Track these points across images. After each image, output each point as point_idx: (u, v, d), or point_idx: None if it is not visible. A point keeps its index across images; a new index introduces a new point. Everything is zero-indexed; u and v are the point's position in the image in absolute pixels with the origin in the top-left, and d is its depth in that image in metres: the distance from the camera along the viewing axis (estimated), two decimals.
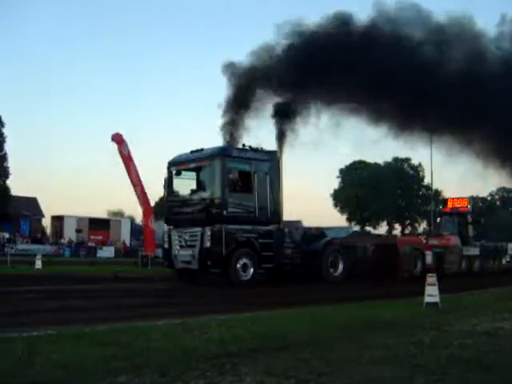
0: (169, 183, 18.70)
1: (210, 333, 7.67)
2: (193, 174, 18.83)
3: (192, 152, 18.49)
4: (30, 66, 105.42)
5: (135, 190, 25.63)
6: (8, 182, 60.03)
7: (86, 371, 5.46)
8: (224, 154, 17.61)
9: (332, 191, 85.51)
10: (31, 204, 61.46)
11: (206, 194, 17.62)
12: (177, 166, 18.67)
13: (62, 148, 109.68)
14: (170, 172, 18.79)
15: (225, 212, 17.17)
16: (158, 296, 14.92)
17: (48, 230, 59.77)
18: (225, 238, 16.96)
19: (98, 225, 57.63)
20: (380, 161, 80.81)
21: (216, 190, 17.32)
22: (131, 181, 25.37)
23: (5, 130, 59.08)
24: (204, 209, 17.42)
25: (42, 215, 64.06)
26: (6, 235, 48.53)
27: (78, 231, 53.86)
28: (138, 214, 48.63)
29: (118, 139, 24.85)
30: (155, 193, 43.72)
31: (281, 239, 18.59)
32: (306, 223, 21.68)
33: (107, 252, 50.17)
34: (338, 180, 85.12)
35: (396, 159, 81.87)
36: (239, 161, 17.84)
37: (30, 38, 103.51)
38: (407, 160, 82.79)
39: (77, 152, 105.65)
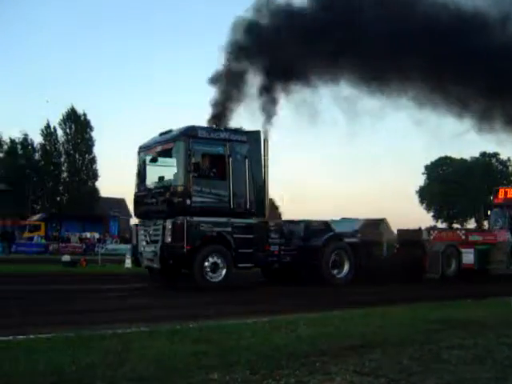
0: (139, 171, 16.38)
1: (299, 331, 7.66)
2: (168, 160, 16.34)
3: (161, 134, 16.14)
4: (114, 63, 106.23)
5: None
6: (97, 183, 62.49)
7: (178, 368, 5.51)
8: (188, 134, 14.95)
9: (418, 188, 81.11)
10: (120, 205, 62.25)
11: (168, 182, 15.18)
12: (145, 150, 16.35)
13: None
14: (139, 158, 16.48)
15: (188, 202, 14.62)
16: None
17: None
18: (187, 232, 14.39)
19: None
20: (466, 156, 75.88)
21: (178, 177, 14.83)
22: None
23: (93, 134, 61.14)
24: (166, 199, 15.02)
25: (129, 215, 65.03)
26: (97, 235, 49.57)
27: None
28: None
29: None
30: None
31: (263, 234, 15.84)
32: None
33: None
34: (424, 177, 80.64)
35: (483, 154, 76.37)
36: (209, 142, 15.17)
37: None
38: (495, 155, 76.98)
39: None
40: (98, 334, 7.31)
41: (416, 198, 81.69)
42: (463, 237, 20.23)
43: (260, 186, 15.94)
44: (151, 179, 15.88)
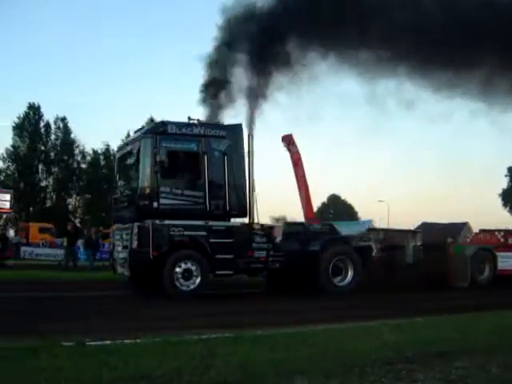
0: (117, 172, 15.42)
1: (384, 337, 7.45)
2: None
3: (135, 132, 15.12)
4: None
5: (300, 194, 23.12)
6: None
7: (261, 373, 5.51)
8: (155, 131, 13.74)
9: (501, 191, 76.46)
10: None
11: (135, 184, 14.05)
12: (119, 150, 15.37)
13: None
14: (115, 159, 15.50)
15: (156, 204, 13.45)
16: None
17: None
18: (153, 236, 13.24)
19: None
20: None
21: (145, 178, 13.65)
22: (297, 184, 22.95)
23: None
24: (133, 202, 13.95)
25: None
26: None
27: None
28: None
29: (287, 140, 22.63)
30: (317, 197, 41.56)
31: (246, 238, 14.35)
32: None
33: None
34: (507, 179, 75.55)
35: None
36: (180, 139, 13.87)
37: None
38: None
39: None
40: (184, 339, 7.34)
41: (499, 201, 77.28)
42: (502, 239, 17.70)
43: (242, 186, 14.51)
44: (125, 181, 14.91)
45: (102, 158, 62.85)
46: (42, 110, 61.13)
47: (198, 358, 5.97)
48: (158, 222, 13.34)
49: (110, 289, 15.64)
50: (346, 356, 6.25)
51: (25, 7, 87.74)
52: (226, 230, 14.04)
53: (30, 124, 60.07)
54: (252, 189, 14.72)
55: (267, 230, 14.91)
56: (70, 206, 63.65)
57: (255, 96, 15.93)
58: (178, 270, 13.29)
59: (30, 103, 60.37)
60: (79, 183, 62.71)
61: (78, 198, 64.07)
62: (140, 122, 67.23)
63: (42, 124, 60.93)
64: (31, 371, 5.37)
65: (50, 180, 60.95)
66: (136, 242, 13.40)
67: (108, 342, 7.08)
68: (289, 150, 22.61)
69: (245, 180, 14.58)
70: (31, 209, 60.09)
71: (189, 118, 14.37)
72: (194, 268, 13.46)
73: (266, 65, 15.87)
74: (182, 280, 13.34)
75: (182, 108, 76.50)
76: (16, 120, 59.71)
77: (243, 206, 14.48)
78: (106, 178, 60.58)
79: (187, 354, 6.23)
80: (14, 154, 58.68)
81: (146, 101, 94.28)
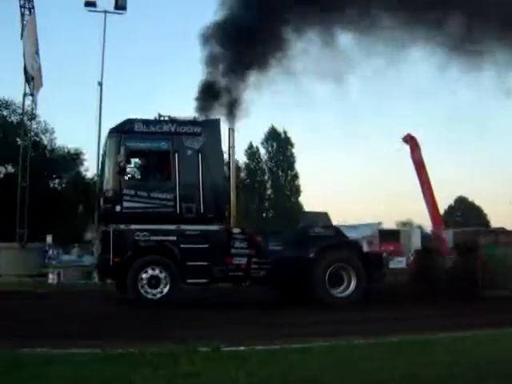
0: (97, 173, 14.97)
1: None
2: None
3: None
4: None
5: (425, 200, 22.33)
6: (300, 198, 62.86)
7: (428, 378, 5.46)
8: (120, 129, 12.97)
9: None
10: (322, 218, 62.00)
11: (101, 186, 13.42)
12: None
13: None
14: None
15: (118, 208, 12.66)
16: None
17: None
18: (115, 242, 12.49)
19: (387, 236, 56.01)
20: None
21: (108, 179, 12.95)
22: (422, 189, 22.20)
23: (294, 150, 62.48)
24: (99, 205, 13.35)
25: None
26: None
27: (369, 243, 53.13)
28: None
29: (410, 141, 21.98)
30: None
31: (224, 244, 13.08)
32: None
33: (399, 263, 47.35)
34: None
35: None
36: (148, 137, 13.03)
37: None
38: None
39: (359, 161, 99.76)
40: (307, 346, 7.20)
41: None
42: None
43: (220, 186, 13.35)
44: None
45: None
46: None
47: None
48: (122, 226, 12.57)
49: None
50: None
51: None
52: (199, 235, 12.87)
53: None
54: (231, 189, 13.42)
55: (249, 235, 13.41)
56: None
57: (236, 83, 14.72)
58: (144, 276, 12.35)
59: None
60: None
61: None
62: None
63: None
64: (173, 377, 5.43)
65: None
66: (100, 248, 12.75)
67: (242, 347, 7.09)
68: (412, 151, 20.54)
69: (223, 180, 13.49)
70: None
71: (159, 115, 13.45)
72: (162, 275, 12.46)
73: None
74: (147, 287, 12.36)
75: None
76: None
77: (220, 209, 13.26)
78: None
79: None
80: None
81: None
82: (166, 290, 12.43)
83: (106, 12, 27.55)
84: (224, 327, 9.65)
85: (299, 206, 62.60)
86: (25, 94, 26.95)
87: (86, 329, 9.09)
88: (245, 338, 7.77)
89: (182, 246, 12.65)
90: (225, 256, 12.97)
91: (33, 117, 30.03)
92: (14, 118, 39.96)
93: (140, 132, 12.99)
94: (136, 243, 12.55)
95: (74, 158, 43.61)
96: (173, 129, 13.13)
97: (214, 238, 12.96)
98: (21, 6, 25.60)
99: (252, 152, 63.15)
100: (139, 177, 13.10)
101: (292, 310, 12.44)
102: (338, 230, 14.43)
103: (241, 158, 60.86)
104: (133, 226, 12.56)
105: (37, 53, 26.48)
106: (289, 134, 62.06)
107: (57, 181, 44.28)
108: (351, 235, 16.25)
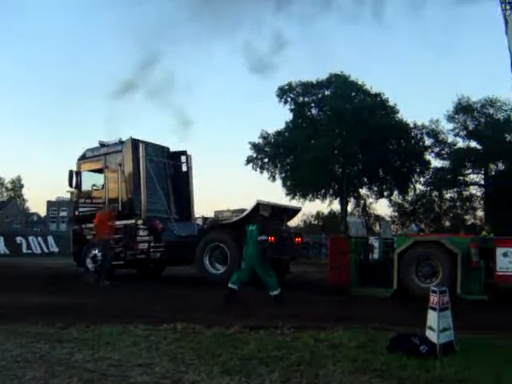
0: None
1: None
2: None
3: None
4: None
5: None
6: None
7: None
8: (80, 158, 18.39)
9: None
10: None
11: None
12: None
13: None
14: None
15: (76, 212, 18.20)
16: None
17: None
18: (73, 237, 18.18)
19: None
20: None
21: (74, 193, 18.57)
22: None
23: None
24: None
25: None
26: None
27: None
28: None
29: None
30: None
31: (133, 233, 17.08)
32: None
33: None
34: None
35: None
36: (93, 160, 18.15)
37: None
38: None
39: None
40: None
41: None
42: None
43: (133, 189, 17.39)
44: None
45: None
46: None
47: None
48: (76, 226, 18.12)
49: None
50: None
51: None
52: (120, 228, 17.23)
53: None
54: (144, 191, 17.25)
55: (149, 225, 16.98)
56: None
57: None
58: (88, 260, 17.40)
59: None
60: None
61: None
62: None
63: None
64: None
65: None
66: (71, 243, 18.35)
67: None
68: None
69: (137, 184, 17.37)
70: None
71: (100, 143, 18.24)
72: (99, 254, 16.88)
73: None
74: (92, 263, 17.13)
75: None
76: None
77: (132, 207, 17.33)
78: None
79: None
80: None
81: None
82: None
83: None
84: None
85: None
86: None
87: None
88: None
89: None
90: (131, 243, 17.00)
91: None
92: (501, 115, 45.80)
93: (89, 157, 18.17)
94: (85, 237, 17.75)
95: None
96: (105, 151, 17.95)
97: (127, 230, 17.16)
98: (501, 2, 26.39)
99: None
100: (87, 190, 18.12)
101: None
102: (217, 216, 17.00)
103: None
104: (83, 226, 17.77)
105: None
106: None
107: None
108: None
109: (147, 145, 17.90)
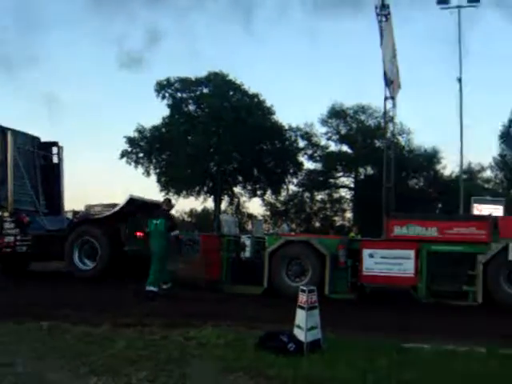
0: None
1: None
2: None
3: None
4: None
5: None
6: None
7: None
8: None
9: None
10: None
11: None
12: None
13: None
14: None
15: None
16: None
17: None
18: None
19: None
20: None
21: None
22: None
23: None
24: None
25: None
26: None
27: None
28: None
29: None
30: None
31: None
32: None
33: None
34: None
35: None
36: None
37: None
38: None
39: None
40: None
41: None
42: None
43: (0, 180, 16.38)
44: None
45: None
46: None
47: None
48: None
49: None
50: None
51: None
52: None
53: None
54: (11, 181, 16.35)
55: (16, 217, 16.25)
56: None
57: None
58: None
59: None
60: None
61: None
62: None
63: None
64: None
65: None
66: None
67: None
68: None
69: (3, 175, 16.33)
70: None
71: None
72: None
73: None
74: None
75: None
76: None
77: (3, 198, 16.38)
78: None
79: None
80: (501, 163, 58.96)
81: None
82: None
83: (459, 7, 29.04)
84: None
85: None
86: (385, 98, 28.77)
87: None
88: None
89: None
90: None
91: (391, 119, 32.17)
92: (372, 122, 46.87)
93: None
94: None
95: (431, 157, 47.20)
96: None
97: None
98: (377, 14, 27.44)
99: None
100: None
101: None
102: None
103: None
104: None
105: (394, 57, 28.59)
106: None
107: (415, 180, 48.35)
108: None
109: (16, 133, 16.90)
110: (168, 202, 14.20)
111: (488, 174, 54.34)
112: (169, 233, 12.66)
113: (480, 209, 24.34)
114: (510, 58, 75.67)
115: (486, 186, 52.15)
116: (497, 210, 22.78)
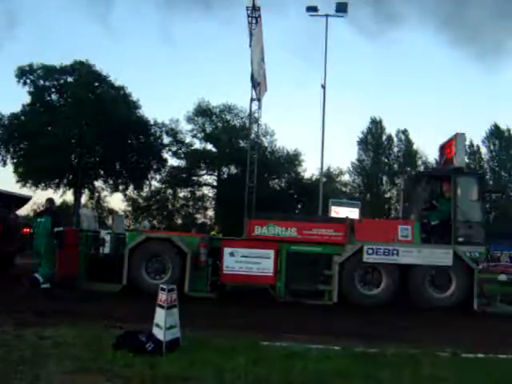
0: None
1: None
2: None
3: None
4: None
5: None
6: None
7: None
8: None
9: None
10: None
11: None
12: None
13: None
14: None
15: None
16: None
17: None
18: None
19: None
20: None
21: None
22: None
23: None
24: None
25: None
26: None
27: None
28: None
29: None
30: None
31: None
32: None
33: None
34: None
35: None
36: None
37: None
38: None
39: None
40: None
41: None
42: None
43: None
44: None
45: None
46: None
47: None
48: None
49: None
50: None
51: None
52: None
53: (373, 138, 61.29)
54: None
55: None
56: None
57: None
58: None
59: (372, 118, 61.64)
60: None
61: None
62: None
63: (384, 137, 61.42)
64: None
65: (394, 191, 59.45)
66: None
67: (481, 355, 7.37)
68: None
69: None
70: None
71: None
72: None
73: None
74: None
75: None
76: (360, 135, 61.42)
77: None
78: None
79: None
80: (359, 168, 60.77)
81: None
82: None
83: (327, 16, 30.16)
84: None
85: None
86: (251, 100, 29.68)
87: None
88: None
89: None
90: None
91: (256, 120, 32.99)
92: (237, 122, 46.93)
93: None
94: None
95: (292, 159, 48.09)
96: None
97: None
98: (248, 16, 28.51)
99: (472, 151, 59.17)
100: None
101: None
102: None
103: None
104: None
105: (262, 60, 29.50)
106: None
107: (276, 181, 48.98)
108: None
109: None
110: (51, 200, 13.56)
111: (346, 177, 57.74)
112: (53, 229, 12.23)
113: (337, 211, 25.67)
114: (371, 66, 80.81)
115: (344, 189, 55.23)
116: (353, 213, 24.17)
